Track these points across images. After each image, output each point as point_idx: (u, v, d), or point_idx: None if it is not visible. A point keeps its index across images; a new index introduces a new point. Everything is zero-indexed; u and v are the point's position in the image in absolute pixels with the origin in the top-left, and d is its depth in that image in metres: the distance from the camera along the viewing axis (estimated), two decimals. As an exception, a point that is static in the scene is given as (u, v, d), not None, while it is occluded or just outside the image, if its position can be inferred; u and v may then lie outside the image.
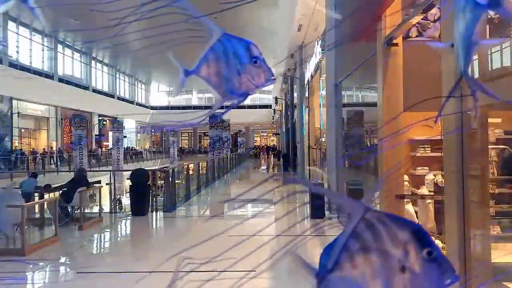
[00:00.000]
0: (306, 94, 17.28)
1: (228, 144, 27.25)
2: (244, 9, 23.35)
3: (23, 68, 25.35)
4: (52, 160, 25.96)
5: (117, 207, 11.20)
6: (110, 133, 24.18)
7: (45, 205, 8.31)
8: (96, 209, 9.87)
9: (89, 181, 9.21)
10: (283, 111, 32.61)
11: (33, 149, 26.04)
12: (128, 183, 10.93)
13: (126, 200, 13.20)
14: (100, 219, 8.87)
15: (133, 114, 39.88)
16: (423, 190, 5.62)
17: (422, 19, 4.93)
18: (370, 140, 9.34)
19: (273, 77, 0.99)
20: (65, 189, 8.71)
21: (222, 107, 1.07)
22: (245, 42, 0.98)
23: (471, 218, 2.92)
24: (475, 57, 3.61)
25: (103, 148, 33.02)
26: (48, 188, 9.29)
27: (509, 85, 3.41)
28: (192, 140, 57.55)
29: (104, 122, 35.43)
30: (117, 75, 40.72)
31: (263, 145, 55.37)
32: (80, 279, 5.36)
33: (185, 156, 43.95)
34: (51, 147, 27.59)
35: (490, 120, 3.82)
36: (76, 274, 5.61)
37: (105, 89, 37.91)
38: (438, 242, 5.20)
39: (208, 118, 1.12)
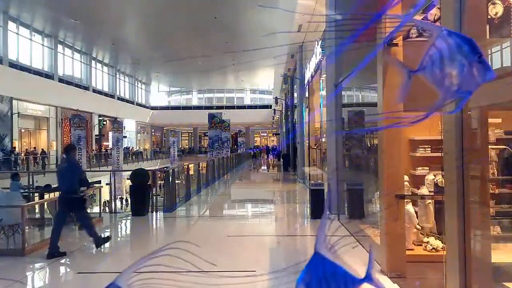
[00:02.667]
0: (306, 94, 17.27)
1: (228, 144, 27.27)
2: (245, 10, 23.36)
3: (23, 68, 25.33)
4: (49, 160, 25.92)
5: (123, 205, 11.23)
6: (110, 133, 24.15)
7: (45, 205, 8.31)
8: (96, 209, 9.86)
9: (89, 182, 9.20)
10: (283, 111, 32.62)
11: (29, 149, 25.99)
12: (128, 183, 10.93)
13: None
14: (100, 219, 8.86)
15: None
16: (423, 190, 5.61)
17: (422, 19, 4.93)
18: (370, 140, 9.33)
19: (494, 74, 0.94)
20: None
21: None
22: (466, 37, 0.94)
23: (471, 218, 2.92)
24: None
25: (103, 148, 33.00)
26: (48, 188, 9.29)
27: (509, 85, 3.40)
28: (192, 140, 57.54)
29: (104, 123, 35.42)
30: (117, 75, 40.72)
31: (263, 145, 55.34)
32: (80, 279, 5.36)
33: (185, 156, 43.96)
34: (50, 147, 27.57)
35: (490, 120, 3.82)
36: (76, 274, 5.61)
37: (105, 89, 37.90)
38: (438, 242, 5.20)
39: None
